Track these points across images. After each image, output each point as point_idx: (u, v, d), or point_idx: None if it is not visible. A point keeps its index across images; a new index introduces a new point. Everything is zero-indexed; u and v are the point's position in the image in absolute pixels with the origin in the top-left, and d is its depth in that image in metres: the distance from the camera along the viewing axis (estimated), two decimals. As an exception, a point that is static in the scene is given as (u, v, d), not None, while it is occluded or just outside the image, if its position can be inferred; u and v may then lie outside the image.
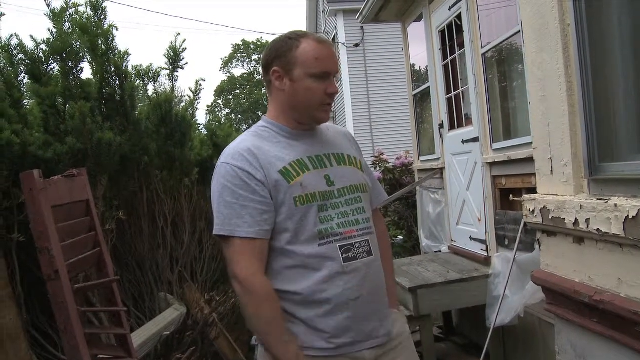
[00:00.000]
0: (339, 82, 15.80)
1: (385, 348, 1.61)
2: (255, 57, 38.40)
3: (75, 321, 2.00)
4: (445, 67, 4.76)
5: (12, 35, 3.08)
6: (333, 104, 1.67)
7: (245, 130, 1.74)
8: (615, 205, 1.66)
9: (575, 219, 1.85)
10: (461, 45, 4.38)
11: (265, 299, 1.50)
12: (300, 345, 1.52)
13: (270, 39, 5.14)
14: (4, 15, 2.84)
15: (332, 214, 1.55)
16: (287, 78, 1.57)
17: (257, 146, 1.57)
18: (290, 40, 1.58)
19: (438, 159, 4.99)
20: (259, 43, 37.34)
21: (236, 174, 1.52)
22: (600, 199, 1.77)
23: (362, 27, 14.04)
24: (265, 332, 1.52)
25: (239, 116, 38.18)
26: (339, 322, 1.52)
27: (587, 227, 1.79)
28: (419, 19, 5.28)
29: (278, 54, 1.59)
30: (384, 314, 1.64)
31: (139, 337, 2.94)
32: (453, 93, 4.66)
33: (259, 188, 1.51)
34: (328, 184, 1.58)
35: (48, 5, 3.24)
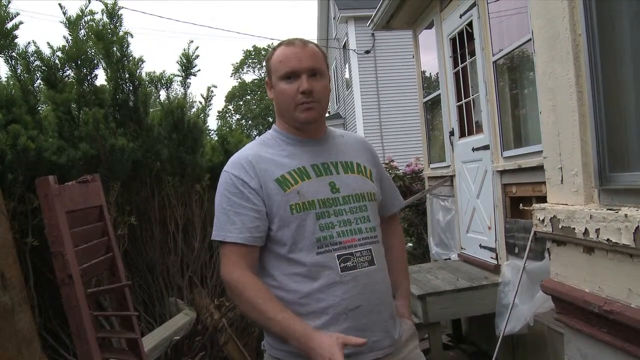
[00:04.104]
0: (349, 89, 15.84)
1: None
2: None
3: (88, 325, 2.03)
4: (456, 74, 4.77)
5: (29, 43, 3.12)
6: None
7: (256, 136, 1.78)
8: (626, 215, 1.66)
9: (585, 228, 1.86)
10: (472, 53, 4.39)
11: (243, 290, 1.49)
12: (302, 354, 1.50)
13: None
14: (22, 23, 2.88)
15: (334, 221, 1.55)
16: (272, 87, 1.65)
17: (258, 154, 1.60)
18: (271, 51, 1.66)
19: (448, 166, 4.99)
20: (269, 49, 37.42)
21: (232, 182, 1.57)
22: (611, 209, 1.77)
23: (373, 34, 14.07)
24: (266, 321, 1.47)
25: (250, 122, 38.32)
26: (339, 333, 1.48)
27: (597, 237, 1.79)
28: (429, 27, 5.30)
29: (266, 67, 1.69)
30: (389, 324, 1.60)
31: (149, 342, 2.96)
32: (464, 100, 4.67)
33: (252, 196, 1.54)
34: (333, 190, 1.59)
35: (64, 13, 3.27)
